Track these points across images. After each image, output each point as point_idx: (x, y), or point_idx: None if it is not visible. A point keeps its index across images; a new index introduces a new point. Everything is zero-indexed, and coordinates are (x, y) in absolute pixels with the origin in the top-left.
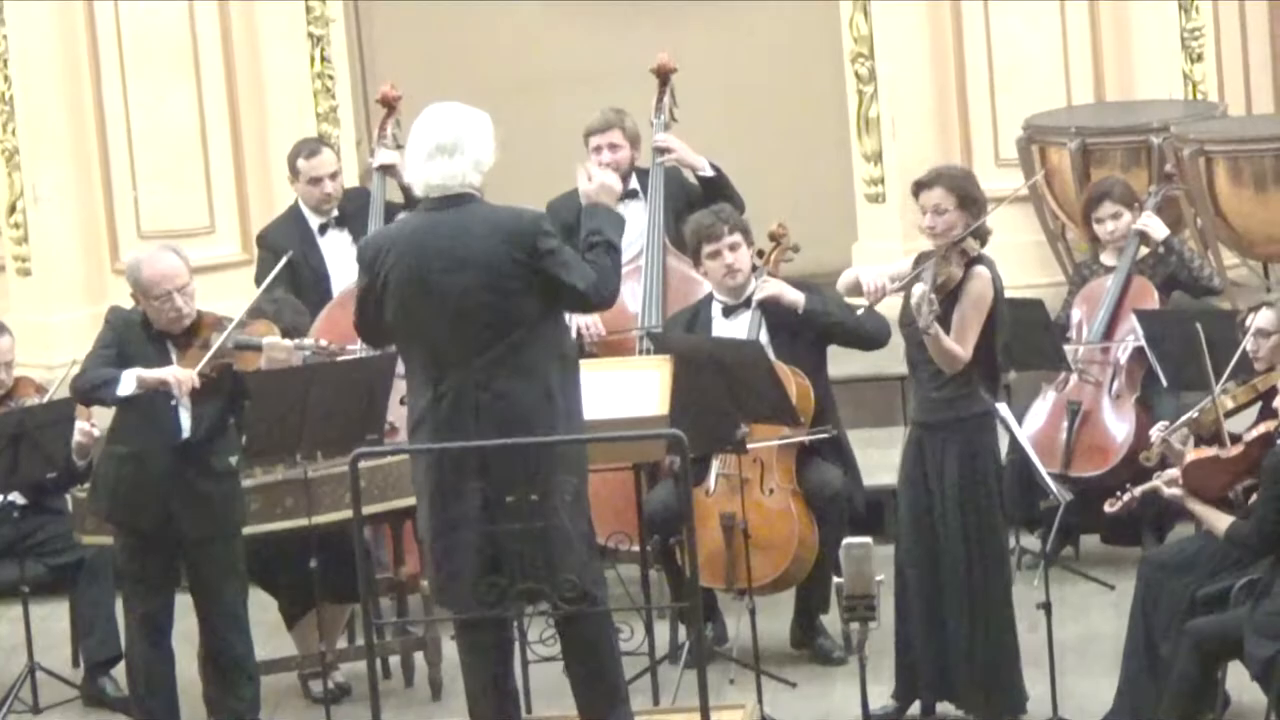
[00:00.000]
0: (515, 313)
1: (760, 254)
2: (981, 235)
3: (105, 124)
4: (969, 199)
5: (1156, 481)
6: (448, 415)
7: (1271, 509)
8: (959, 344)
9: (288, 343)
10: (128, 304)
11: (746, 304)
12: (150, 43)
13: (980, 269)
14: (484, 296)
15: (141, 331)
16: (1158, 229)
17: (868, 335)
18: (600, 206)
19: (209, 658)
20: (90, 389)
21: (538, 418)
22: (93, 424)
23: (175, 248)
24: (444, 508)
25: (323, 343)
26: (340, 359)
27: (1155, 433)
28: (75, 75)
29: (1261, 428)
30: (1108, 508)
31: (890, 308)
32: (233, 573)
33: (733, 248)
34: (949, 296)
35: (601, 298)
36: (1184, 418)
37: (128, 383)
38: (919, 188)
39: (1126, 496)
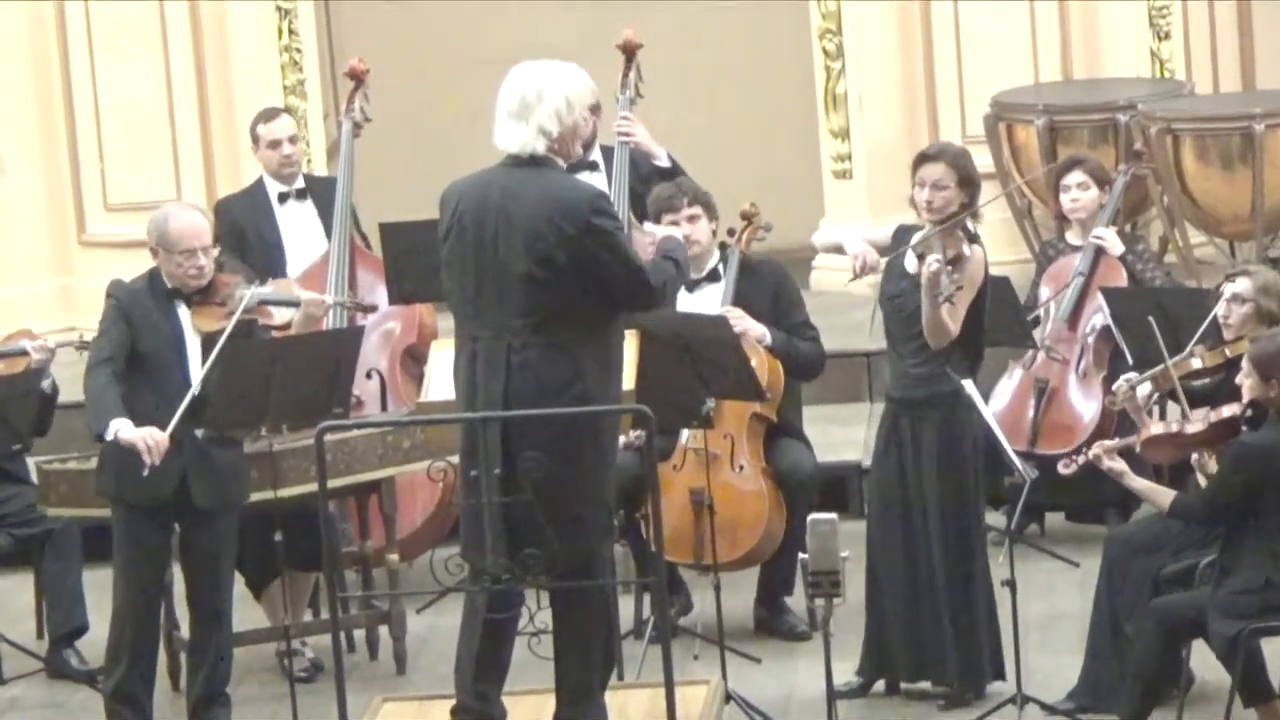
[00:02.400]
0: (555, 284)
1: (731, 232)
2: (977, 215)
3: (72, 96)
4: (968, 178)
5: (1098, 448)
6: (483, 372)
7: (1225, 489)
8: (951, 320)
9: (327, 298)
10: (93, 276)
11: (711, 278)
12: (117, 14)
13: (977, 248)
14: (524, 263)
15: (148, 297)
16: (1114, 245)
17: (809, 365)
18: (682, 247)
19: (193, 628)
20: (89, 405)
21: (561, 394)
22: (43, 342)
23: (199, 207)
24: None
25: (358, 300)
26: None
27: (1121, 381)
28: (42, 47)
29: (1227, 410)
30: (1062, 468)
31: (862, 283)
32: (231, 544)
33: (691, 219)
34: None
35: (662, 293)
36: (1150, 371)
37: (111, 430)
38: (922, 159)
39: (1081, 458)
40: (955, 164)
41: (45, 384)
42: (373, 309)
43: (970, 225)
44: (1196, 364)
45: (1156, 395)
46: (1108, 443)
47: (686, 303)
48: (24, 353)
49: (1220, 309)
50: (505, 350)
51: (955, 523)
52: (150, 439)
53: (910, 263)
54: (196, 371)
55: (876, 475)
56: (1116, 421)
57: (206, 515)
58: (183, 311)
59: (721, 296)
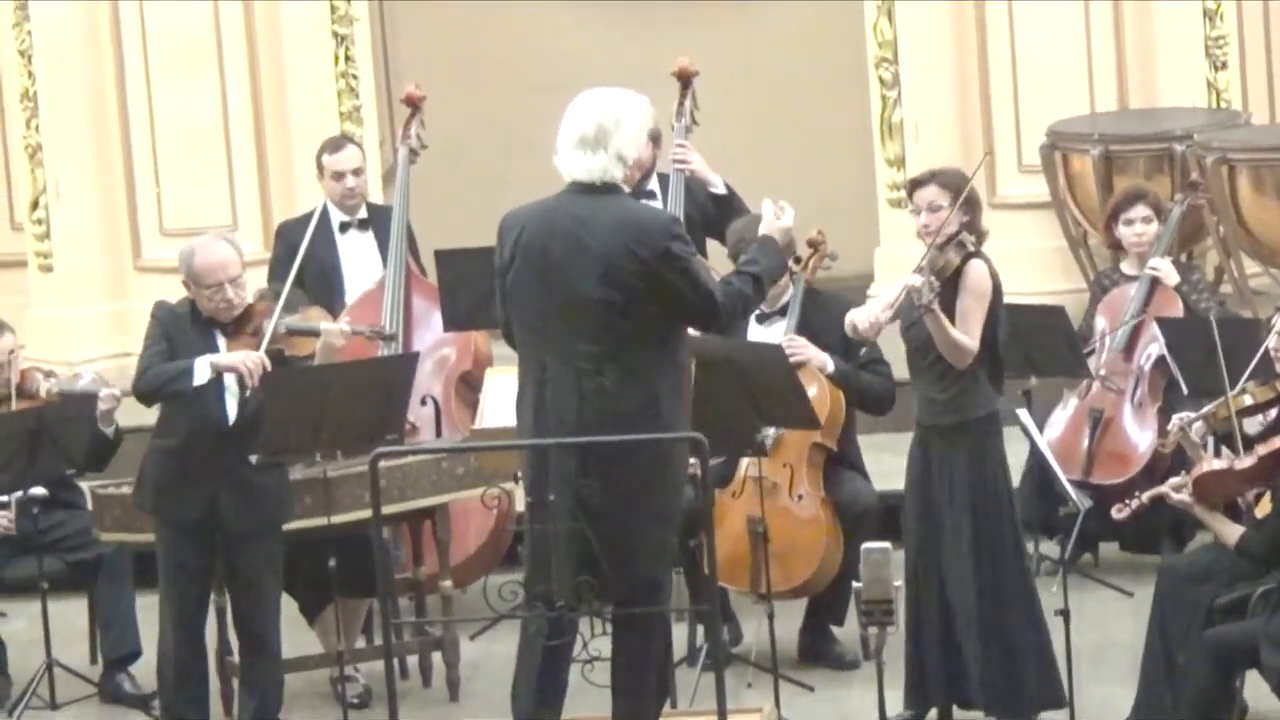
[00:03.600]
0: (629, 310)
1: (798, 260)
2: (978, 234)
3: (129, 121)
4: (961, 196)
5: (1165, 488)
6: (553, 398)
7: None
8: (965, 335)
9: (345, 327)
10: (148, 300)
11: (781, 312)
12: (174, 40)
13: (977, 261)
14: (599, 289)
15: (189, 322)
16: (1170, 275)
17: (874, 398)
18: (773, 244)
19: (241, 654)
20: (162, 385)
21: (637, 419)
22: (115, 389)
23: (229, 238)
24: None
25: (377, 328)
26: (368, 359)
27: (1174, 421)
28: (99, 72)
29: (1278, 441)
30: (1116, 513)
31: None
32: (272, 568)
33: None
34: (947, 285)
35: (731, 316)
36: (1204, 410)
37: (202, 371)
38: (914, 186)
39: (1135, 502)
40: (947, 184)
41: (109, 430)
42: (392, 338)
43: (968, 242)
44: (1247, 400)
45: (1210, 433)
46: (1174, 479)
47: (757, 335)
48: (91, 397)
49: (1271, 342)
50: (576, 376)
51: (987, 547)
52: (249, 361)
53: None
54: (232, 399)
55: (910, 503)
56: (1170, 454)
57: (242, 537)
58: (220, 341)
59: (785, 325)
